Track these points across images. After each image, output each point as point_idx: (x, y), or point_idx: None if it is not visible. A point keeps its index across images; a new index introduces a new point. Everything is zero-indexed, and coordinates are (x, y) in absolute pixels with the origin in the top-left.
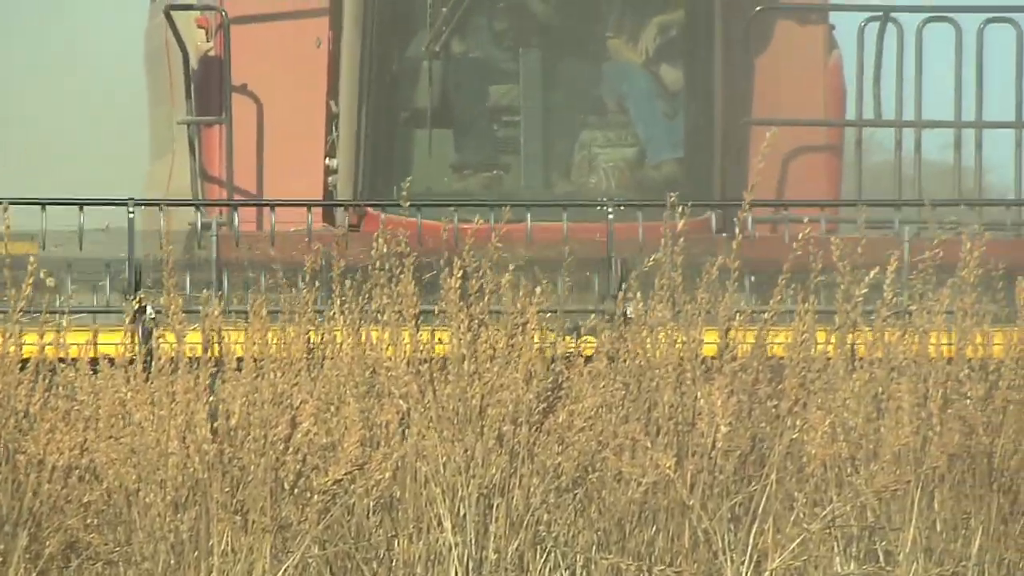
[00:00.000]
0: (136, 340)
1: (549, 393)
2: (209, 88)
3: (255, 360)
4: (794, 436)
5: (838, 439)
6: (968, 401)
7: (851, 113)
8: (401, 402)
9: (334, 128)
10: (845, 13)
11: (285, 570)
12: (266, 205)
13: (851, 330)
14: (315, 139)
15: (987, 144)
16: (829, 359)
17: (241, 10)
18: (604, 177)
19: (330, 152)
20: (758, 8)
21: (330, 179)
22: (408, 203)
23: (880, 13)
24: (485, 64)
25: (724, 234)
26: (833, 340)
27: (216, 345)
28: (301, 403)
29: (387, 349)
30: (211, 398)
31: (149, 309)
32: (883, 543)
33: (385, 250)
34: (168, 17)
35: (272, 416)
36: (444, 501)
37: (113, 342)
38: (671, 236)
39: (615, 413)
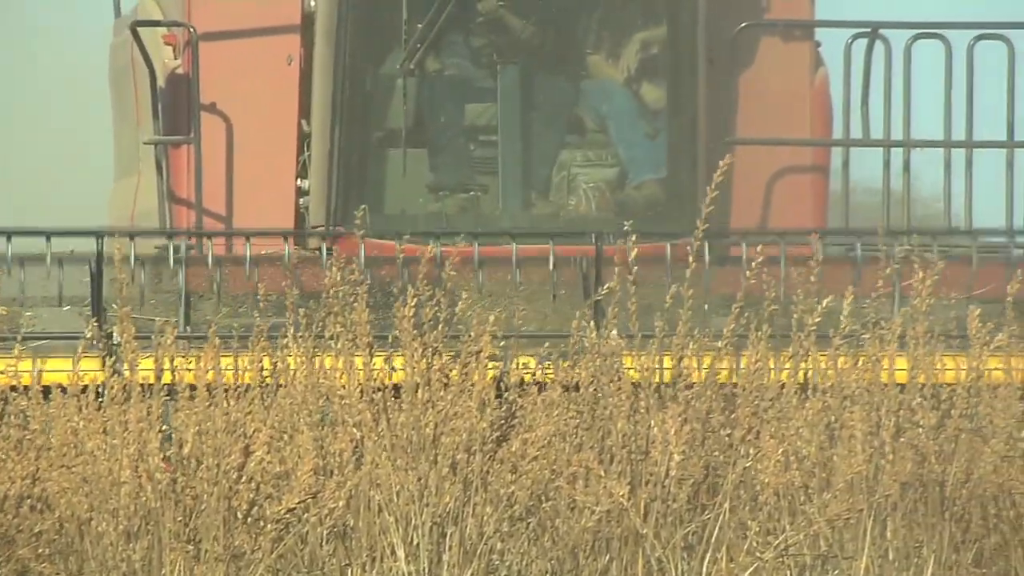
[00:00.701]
0: (105, 367)
1: (503, 422)
2: (177, 107)
3: (208, 388)
4: (747, 464)
5: (791, 467)
6: (920, 430)
7: (838, 132)
8: (355, 431)
9: (306, 148)
10: (832, 30)
11: None
12: (237, 235)
13: (804, 358)
14: (286, 159)
15: (977, 164)
16: (783, 387)
17: (210, 26)
18: (584, 198)
19: (301, 173)
20: (742, 25)
21: (301, 200)
22: (362, 231)
23: (868, 30)
24: (462, 82)
25: (706, 259)
26: (787, 367)
27: (169, 373)
28: (255, 431)
29: (340, 377)
30: (164, 427)
31: (116, 335)
32: (836, 572)
33: (339, 278)
34: (135, 34)
35: (225, 445)
36: (397, 530)
37: (66, 369)
38: (627, 261)
39: (569, 442)
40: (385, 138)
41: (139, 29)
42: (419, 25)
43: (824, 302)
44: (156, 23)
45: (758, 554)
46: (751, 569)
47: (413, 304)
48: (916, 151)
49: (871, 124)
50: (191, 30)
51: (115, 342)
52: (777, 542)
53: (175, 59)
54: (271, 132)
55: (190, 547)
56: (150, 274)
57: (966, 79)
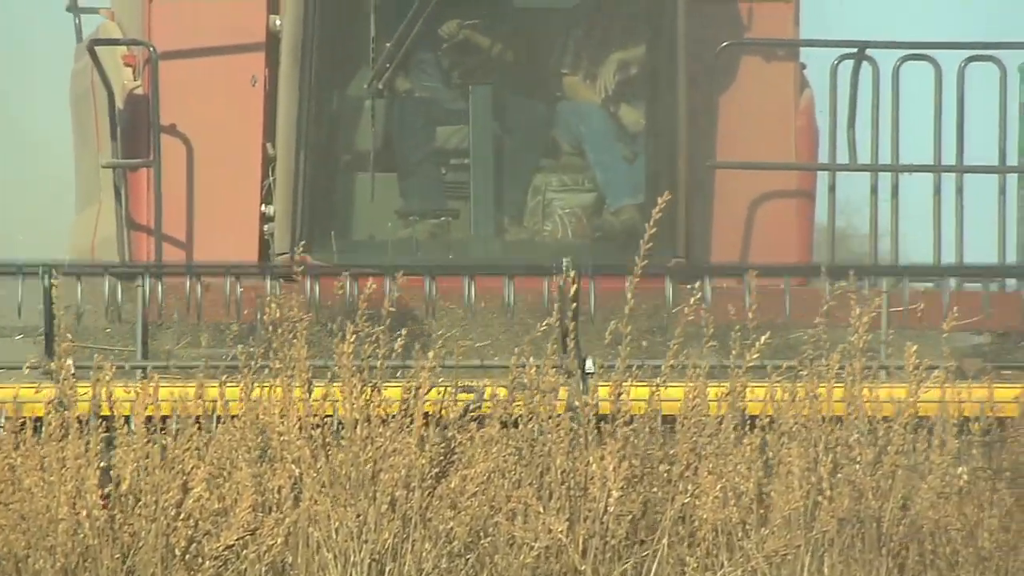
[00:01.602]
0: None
1: (442, 458)
2: (136, 129)
3: (147, 423)
4: (685, 500)
5: (729, 503)
6: (857, 466)
7: (824, 156)
8: (293, 467)
9: (271, 172)
10: (818, 50)
11: None
12: (188, 273)
13: (742, 393)
14: (250, 184)
15: (968, 189)
16: (721, 422)
17: (171, 45)
18: (559, 224)
19: (266, 198)
20: (724, 44)
21: (266, 227)
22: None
23: (854, 50)
24: (432, 103)
25: (688, 286)
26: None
27: (106, 407)
28: (193, 468)
29: (278, 414)
30: (103, 463)
31: (70, 363)
32: None
33: (278, 315)
34: (92, 54)
35: (164, 481)
36: (336, 567)
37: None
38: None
39: (508, 478)
40: (353, 162)
41: (98, 50)
42: (388, 44)
43: (763, 338)
44: (114, 42)
45: None
46: None
47: (352, 340)
48: (904, 176)
49: (858, 148)
50: (151, 49)
51: (70, 370)
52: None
53: (135, 80)
54: (235, 155)
55: None
56: (108, 304)
57: (956, 102)
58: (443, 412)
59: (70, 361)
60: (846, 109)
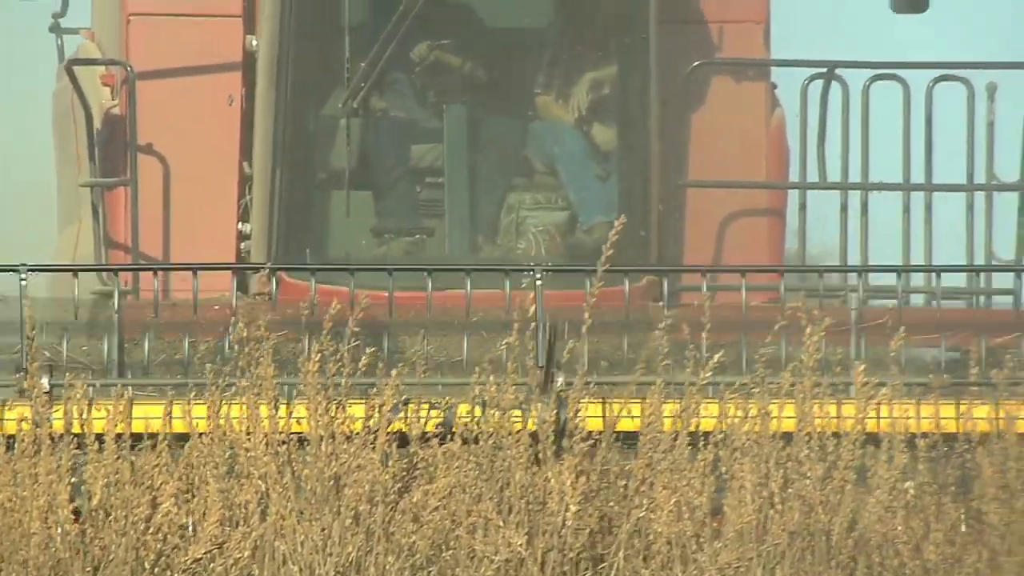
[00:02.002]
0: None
1: (405, 473)
2: (114, 148)
3: (117, 439)
4: (641, 515)
5: (683, 517)
6: (807, 481)
7: (795, 174)
8: (260, 482)
9: (247, 191)
10: (788, 70)
11: None
12: (170, 269)
13: (696, 410)
14: (227, 202)
15: (937, 207)
16: (676, 438)
17: (148, 64)
18: (533, 241)
19: (243, 216)
20: (695, 63)
21: (243, 245)
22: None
23: (824, 70)
24: (407, 122)
25: (660, 303)
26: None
27: (77, 425)
28: (162, 483)
29: (245, 431)
30: (74, 479)
31: (44, 382)
32: None
33: (245, 334)
34: (70, 73)
35: (133, 496)
36: None
37: None
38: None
39: (468, 492)
40: (328, 180)
41: (77, 70)
42: (363, 64)
43: (716, 356)
44: (91, 61)
45: None
46: None
47: (317, 359)
48: (874, 193)
49: (828, 166)
50: (128, 69)
51: (44, 387)
52: None
53: (113, 99)
54: (212, 174)
55: None
56: (86, 317)
57: (925, 121)
58: (406, 428)
59: (44, 380)
60: (816, 128)
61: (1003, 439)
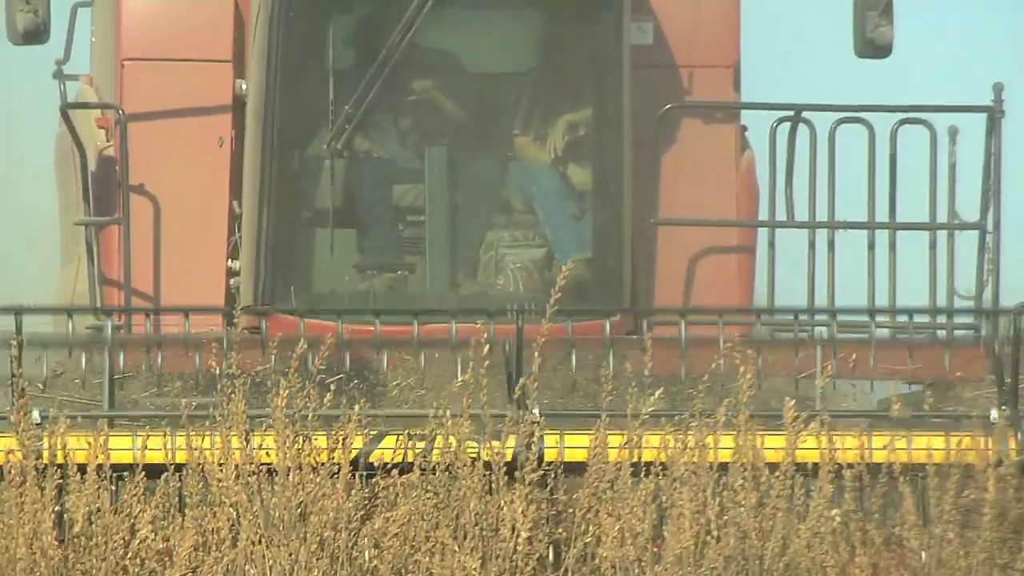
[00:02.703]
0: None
1: (367, 502)
2: (108, 188)
3: (97, 470)
4: (587, 540)
5: (627, 543)
6: (742, 509)
7: (763, 213)
8: (231, 510)
9: (237, 229)
10: (757, 112)
11: None
12: (162, 312)
13: (637, 442)
14: (217, 240)
15: (901, 244)
16: (619, 468)
17: (141, 107)
18: (511, 278)
19: (233, 254)
20: (667, 107)
21: (232, 281)
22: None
23: (792, 113)
24: (389, 163)
25: (634, 336)
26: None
27: (61, 455)
28: (140, 512)
29: (217, 462)
30: (57, 507)
31: (35, 414)
32: None
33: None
34: (65, 116)
35: (113, 524)
36: None
37: None
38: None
39: (427, 520)
40: (314, 218)
41: (74, 113)
42: (347, 107)
43: (657, 392)
44: (85, 105)
45: None
46: None
47: (285, 396)
48: (840, 232)
49: (796, 205)
50: (119, 111)
51: (35, 419)
52: None
53: (107, 141)
54: (202, 213)
55: None
56: (79, 354)
57: (889, 162)
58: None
59: (36, 412)
60: (784, 169)
61: (923, 470)
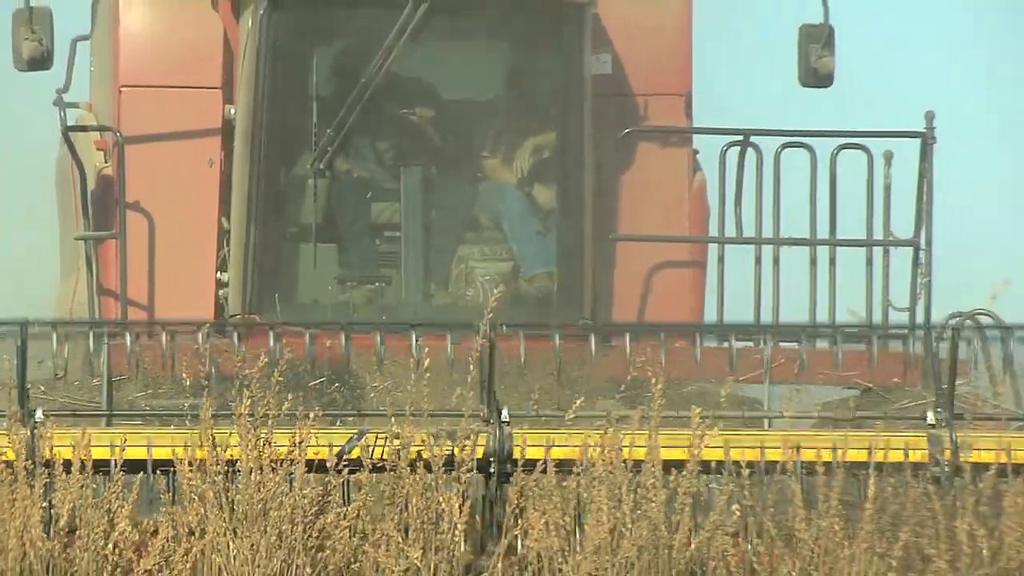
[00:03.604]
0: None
1: (320, 498)
2: (106, 205)
3: (81, 467)
4: (516, 533)
5: (550, 534)
6: (653, 504)
7: (713, 230)
8: (199, 506)
9: (225, 243)
10: (708, 137)
11: None
12: (157, 324)
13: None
14: (206, 253)
15: (840, 260)
16: (544, 468)
17: (138, 130)
18: (480, 289)
19: (221, 266)
20: (626, 131)
21: (221, 292)
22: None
23: (740, 137)
24: (368, 182)
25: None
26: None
27: (48, 452)
28: (119, 507)
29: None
30: (45, 503)
31: (38, 413)
32: None
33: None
34: (67, 138)
35: (95, 518)
36: None
37: None
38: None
39: (374, 514)
40: (298, 234)
41: (74, 135)
42: (328, 131)
43: (575, 407)
44: (84, 128)
45: None
46: None
47: (248, 401)
48: (784, 248)
49: (744, 223)
50: (117, 134)
51: (38, 418)
52: None
53: (105, 162)
54: (193, 228)
55: None
56: (80, 360)
57: (829, 183)
58: (323, 456)
59: (39, 412)
60: (734, 189)
61: (815, 467)
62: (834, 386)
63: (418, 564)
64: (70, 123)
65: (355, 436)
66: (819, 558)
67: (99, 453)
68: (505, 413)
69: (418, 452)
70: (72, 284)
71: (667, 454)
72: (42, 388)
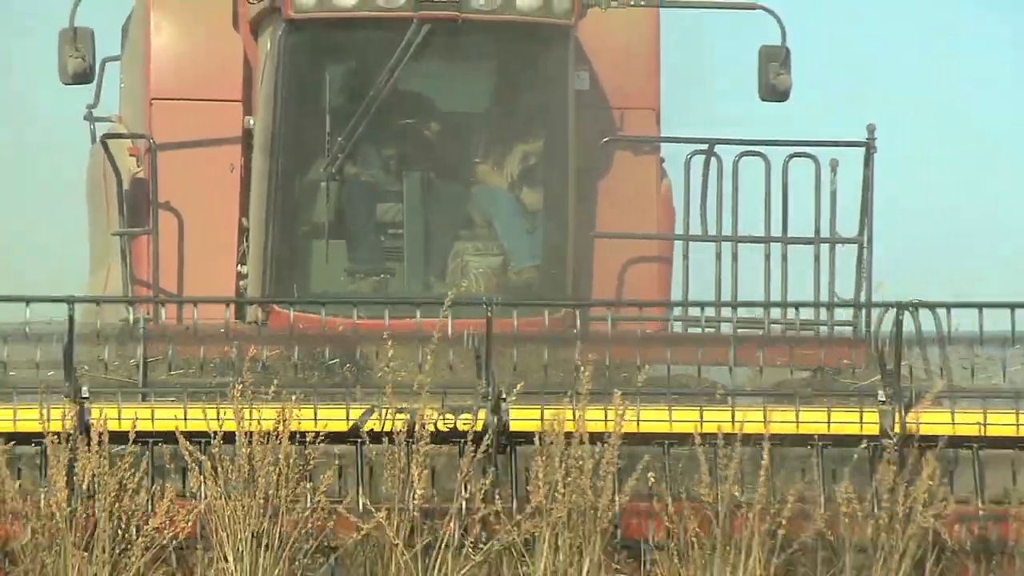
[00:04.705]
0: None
1: (300, 466)
2: (139, 205)
3: (99, 438)
4: (466, 498)
5: (496, 498)
6: (581, 472)
7: (679, 229)
8: (200, 473)
9: (244, 240)
10: (674, 146)
11: None
12: (186, 301)
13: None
14: (228, 248)
15: (791, 256)
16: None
17: (167, 139)
18: (474, 280)
19: (241, 260)
20: (604, 140)
21: (241, 283)
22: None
23: (705, 147)
24: (374, 185)
25: (574, 330)
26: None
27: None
28: (131, 472)
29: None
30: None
31: (84, 389)
32: (524, 568)
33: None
34: (104, 145)
35: (111, 483)
36: (228, 540)
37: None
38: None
39: (348, 480)
40: (310, 231)
41: (108, 143)
42: (339, 139)
43: (518, 386)
44: (122, 135)
45: (471, 554)
46: (466, 568)
47: (242, 380)
48: (742, 245)
49: (707, 222)
50: (151, 141)
51: (84, 392)
52: (485, 547)
53: (138, 167)
54: (216, 226)
55: (85, 554)
56: (115, 341)
57: (782, 187)
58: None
59: (84, 388)
60: (698, 192)
61: (715, 439)
62: (789, 367)
63: (383, 522)
64: (99, 135)
65: (367, 411)
66: (722, 518)
67: (142, 425)
68: (502, 390)
69: (422, 424)
70: (102, 277)
71: (629, 428)
72: (86, 367)
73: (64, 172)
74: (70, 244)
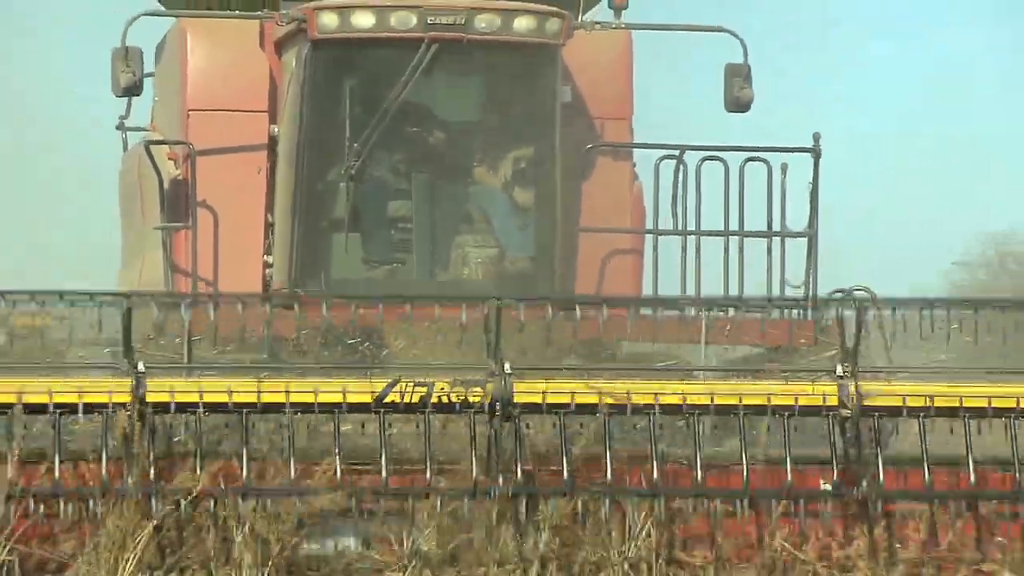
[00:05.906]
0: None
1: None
2: (178, 203)
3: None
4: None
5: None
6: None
7: (649, 224)
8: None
9: (270, 233)
10: (645, 151)
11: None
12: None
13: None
14: (256, 241)
15: (747, 249)
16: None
17: (202, 144)
18: (474, 270)
19: (267, 251)
20: (588, 147)
21: (268, 271)
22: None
23: (675, 152)
24: (387, 186)
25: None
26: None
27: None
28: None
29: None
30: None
31: (141, 365)
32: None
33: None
34: (147, 150)
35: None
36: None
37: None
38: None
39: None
40: (330, 226)
41: (150, 148)
42: (356, 145)
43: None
44: (163, 142)
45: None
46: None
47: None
48: (705, 239)
49: (676, 219)
50: (190, 147)
51: (142, 369)
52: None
53: (176, 169)
54: (246, 221)
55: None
56: (161, 325)
57: (739, 188)
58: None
59: (140, 364)
60: (668, 192)
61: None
62: (750, 346)
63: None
64: (130, 144)
65: (389, 384)
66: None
67: (185, 397)
68: (508, 366)
69: (438, 396)
70: (136, 270)
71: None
72: (139, 346)
73: (64, 172)
74: (71, 244)
